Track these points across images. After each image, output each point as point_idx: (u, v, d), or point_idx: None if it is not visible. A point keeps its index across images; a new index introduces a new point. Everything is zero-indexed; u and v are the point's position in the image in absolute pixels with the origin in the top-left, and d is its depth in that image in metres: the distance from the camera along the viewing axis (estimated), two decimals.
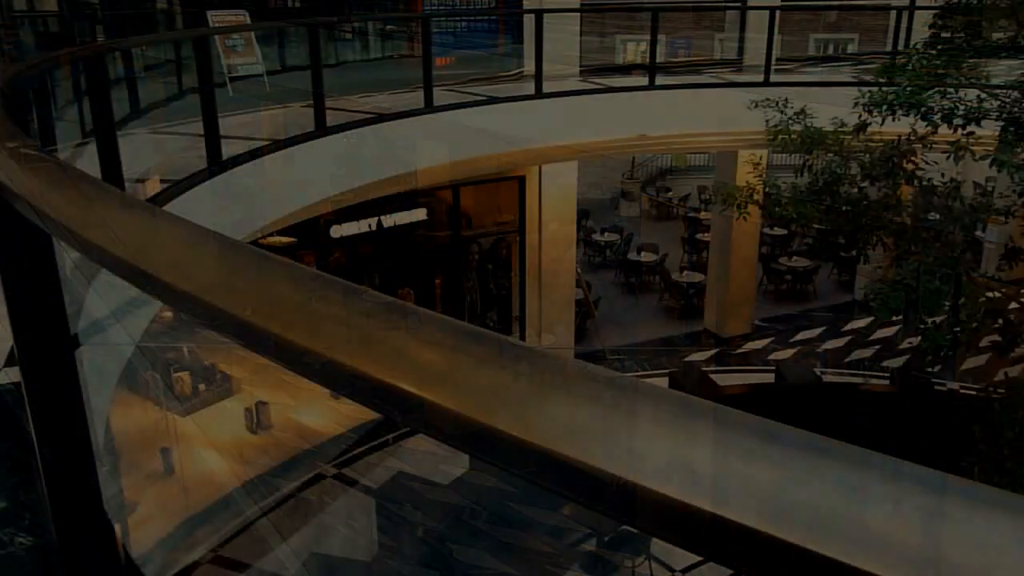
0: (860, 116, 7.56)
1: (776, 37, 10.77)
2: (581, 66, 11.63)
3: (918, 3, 11.51)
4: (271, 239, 9.04)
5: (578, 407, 0.45)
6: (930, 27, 8.41)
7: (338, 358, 0.53)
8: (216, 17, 9.40)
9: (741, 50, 13.03)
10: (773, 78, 10.50)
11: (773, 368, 11.39)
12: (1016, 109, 7.24)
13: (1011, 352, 7.58)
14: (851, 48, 20.56)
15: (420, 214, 11.59)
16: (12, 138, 1.18)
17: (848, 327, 13.98)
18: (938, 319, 7.28)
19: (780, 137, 8.06)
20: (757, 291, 14.50)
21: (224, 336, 0.64)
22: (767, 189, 8.38)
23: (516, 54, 11.65)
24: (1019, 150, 7.01)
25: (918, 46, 7.86)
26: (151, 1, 13.23)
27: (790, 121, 8.05)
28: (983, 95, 7.33)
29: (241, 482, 8.96)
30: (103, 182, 0.99)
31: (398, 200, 10.71)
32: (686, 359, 12.89)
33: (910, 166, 7.66)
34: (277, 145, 6.97)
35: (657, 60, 10.75)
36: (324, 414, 10.17)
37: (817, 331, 13.90)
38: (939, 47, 7.55)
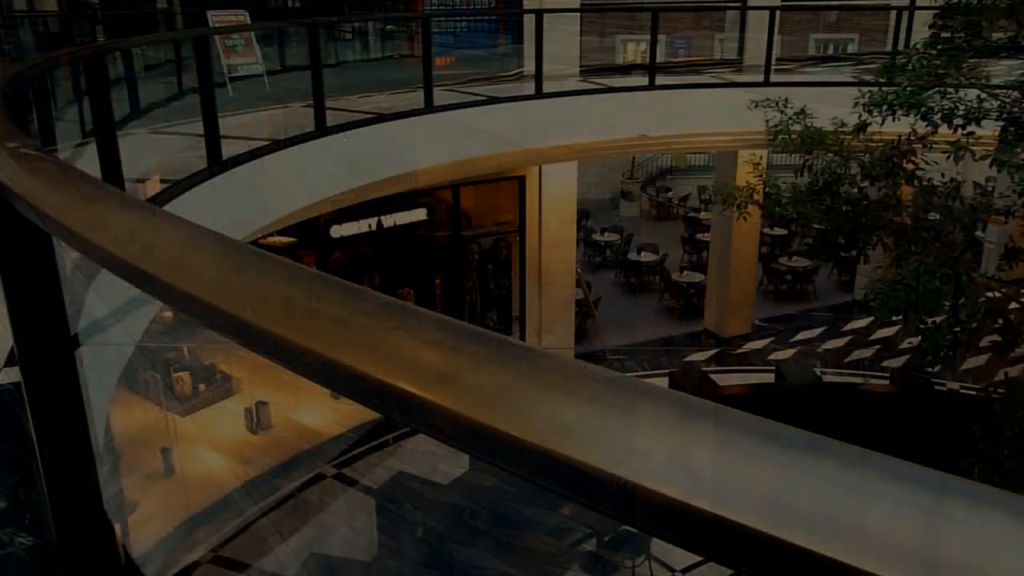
0: (860, 116, 7.55)
1: (776, 37, 10.78)
2: (581, 66, 11.63)
3: (918, 3, 11.52)
4: (271, 239, 9.04)
5: (578, 407, 0.45)
6: (930, 27, 8.41)
7: (338, 358, 0.53)
8: (216, 17, 9.41)
9: (741, 50, 13.04)
10: (773, 78, 10.50)
11: (773, 368, 11.39)
12: (1016, 109, 7.24)
13: (1011, 352, 7.57)
14: (851, 48, 20.56)
15: (420, 214, 11.59)
16: (12, 138, 1.18)
17: (848, 327, 13.98)
18: (938, 319, 7.28)
19: (780, 137, 8.05)
20: (757, 291, 14.50)
21: (224, 336, 0.64)
22: (767, 189, 8.38)
23: (516, 54, 11.65)
24: (1019, 150, 7.01)
25: (918, 46, 7.85)
26: (151, 1, 13.23)
27: (790, 121, 8.05)
28: (983, 95, 7.33)
29: (241, 482, 8.96)
30: (103, 182, 0.99)
31: (398, 200, 10.71)
32: (686, 359, 12.89)
33: (910, 166, 7.66)
34: (277, 145, 6.97)
35: (657, 60, 10.75)
36: (324, 414, 10.17)
37: (817, 331, 13.90)
38: (939, 47, 7.54)
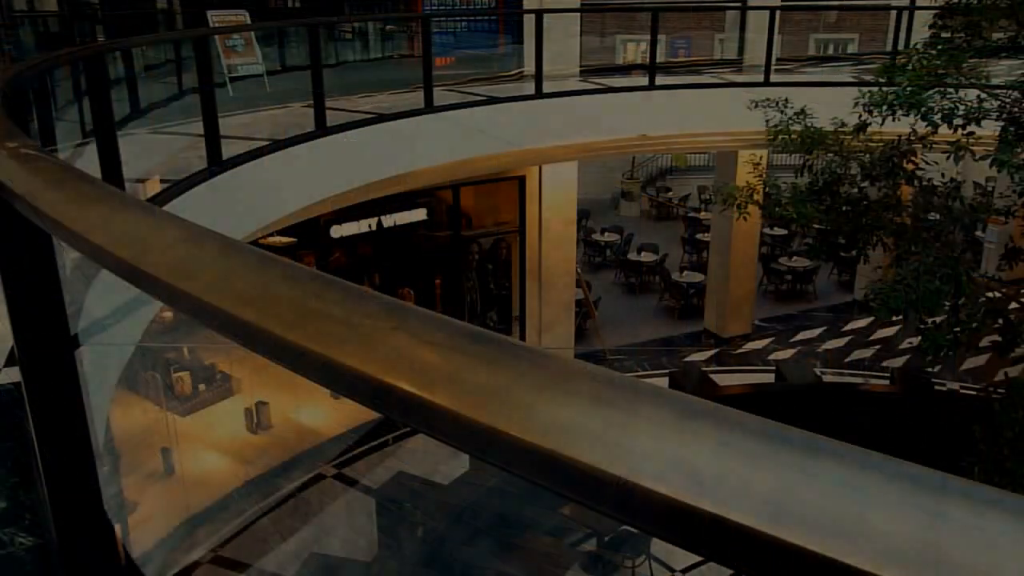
0: (860, 116, 7.55)
1: (776, 37, 10.78)
2: (581, 66, 11.64)
3: (918, 3, 11.51)
4: (271, 239, 9.05)
5: (578, 407, 0.45)
6: (930, 27, 8.40)
7: (338, 358, 0.53)
8: (216, 17, 9.41)
9: (741, 50, 13.05)
10: (773, 78, 10.50)
11: (773, 368, 11.39)
12: (1016, 109, 7.24)
13: (1011, 352, 7.57)
14: (851, 48, 20.57)
15: (420, 214, 11.59)
16: (12, 138, 1.18)
17: (848, 327, 13.99)
18: (938, 319, 7.28)
19: (780, 137, 8.05)
20: (757, 291, 14.51)
21: (224, 336, 0.64)
22: (767, 189, 8.38)
23: (516, 54, 11.65)
24: (1019, 150, 7.00)
25: (918, 46, 7.85)
26: (151, 1, 13.23)
27: (790, 121, 8.05)
28: (983, 95, 7.33)
29: (241, 482, 8.97)
30: (103, 182, 0.99)
31: (398, 200, 10.71)
32: (686, 359, 12.89)
33: (910, 166, 7.66)
34: (277, 145, 6.97)
35: (657, 60, 10.75)
36: (324, 414, 10.17)
37: (817, 331, 13.91)
38: (939, 47, 7.54)
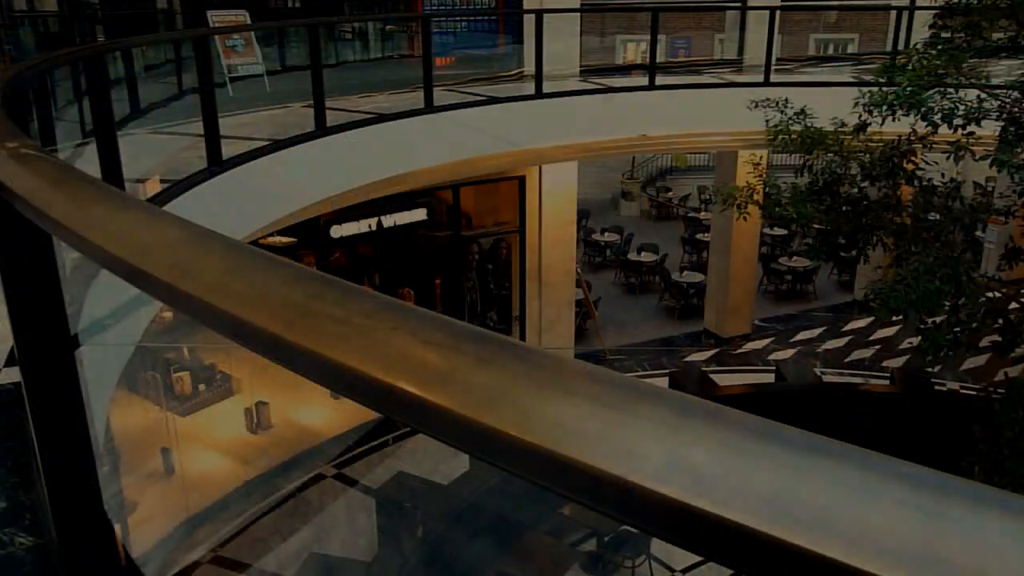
0: (860, 116, 7.55)
1: (776, 37, 10.78)
2: (581, 66, 11.63)
3: (918, 3, 11.51)
4: (271, 239, 9.05)
5: (578, 407, 0.45)
6: (930, 27, 8.41)
7: (338, 358, 0.53)
8: (216, 17, 9.41)
9: (741, 50, 13.05)
10: (773, 78, 10.50)
11: (773, 368, 11.39)
12: (1016, 109, 7.24)
13: (1011, 352, 7.58)
14: (851, 48, 20.58)
15: (420, 214, 11.59)
16: (12, 138, 1.18)
17: (848, 327, 13.99)
18: (938, 319, 7.28)
19: (780, 137, 8.06)
20: (757, 291, 14.51)
21: (224, 336, 0.64)
22: (767, 189, 8.38)
23: (516, 54, 11.65)
24: (1019, 150, 7.01)
25: (918, 46, 7.85)
26: (151, 1, 13.23)
27: (790, 121, 8.05)
28: (983, 95, 7.33)
29: (241, 482, 8.96)
30: (103, 182, 0.99)
31: (398, 200, 10.71)
32: (686, 359, 12.89)
33: (910, 166, 7.66)
34: (277, 145, 6.97)
35: (657, 60, 10.75)
36: (324, 414, 10.17)
37: (817, 331, 13.91)
38: (939, 47, 7.54)
